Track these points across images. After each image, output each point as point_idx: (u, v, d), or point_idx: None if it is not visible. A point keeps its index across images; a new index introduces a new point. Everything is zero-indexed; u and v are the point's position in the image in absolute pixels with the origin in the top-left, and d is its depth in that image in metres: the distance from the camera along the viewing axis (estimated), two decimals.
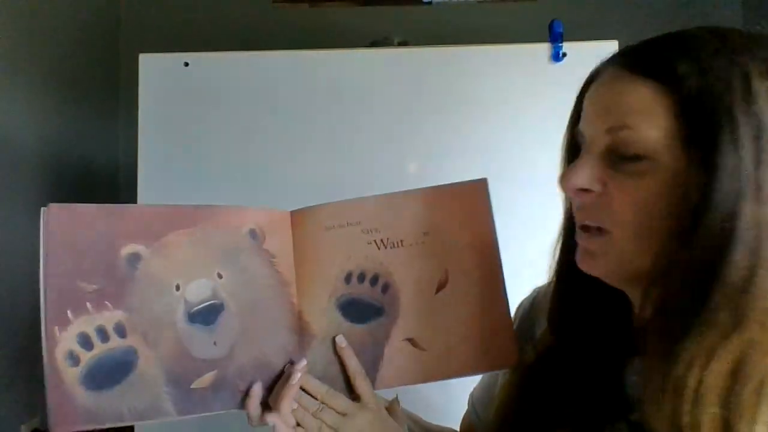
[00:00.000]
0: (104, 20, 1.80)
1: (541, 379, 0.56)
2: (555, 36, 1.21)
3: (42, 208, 0.56)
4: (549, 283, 0.61)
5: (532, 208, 1.15)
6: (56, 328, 0.55)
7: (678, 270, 0.42)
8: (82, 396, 0.55)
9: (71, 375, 0.55)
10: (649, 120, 0.44)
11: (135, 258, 0.59)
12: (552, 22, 1.22)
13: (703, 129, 0.42)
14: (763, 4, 1.69)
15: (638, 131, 0.44)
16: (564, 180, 0.49)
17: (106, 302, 0.57)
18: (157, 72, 1.24)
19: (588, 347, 0.54)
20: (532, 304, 0.68)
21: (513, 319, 0.68)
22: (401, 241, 0.64)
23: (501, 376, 0.66)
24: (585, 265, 0.50)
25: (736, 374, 0.40)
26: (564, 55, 1.20)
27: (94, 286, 0.57)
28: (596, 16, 1.72)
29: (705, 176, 0.41)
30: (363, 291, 0.64)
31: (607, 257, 0.48)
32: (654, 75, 0.44)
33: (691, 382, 0.41)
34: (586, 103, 0.50)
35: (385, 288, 0.64)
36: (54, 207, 0.57)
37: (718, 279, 0.40)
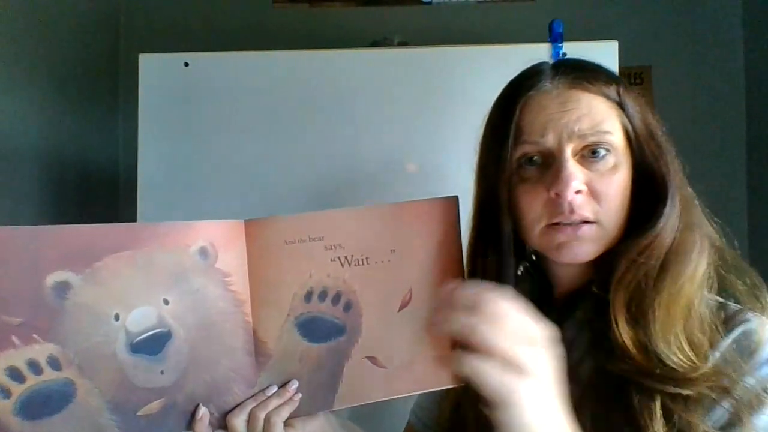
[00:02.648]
0: (104, 20, 1.79)
1: None
2: (555, 36, 1.21)
3: None
4: None
5: None
6: None
7: (650, 240, 0.57)
8: (17, 425, 0.52)
9: (2, 407, 0.51)
10: (613, 126, 0.58)
11: (63, 287, 0.53)
12: (552, 22, 1.22)
13: (638, 132, 0.59)
14: (763, 3, 1.69)
15: (610, 134, 0.58)
16: (566, 185, 0.56)
17: (35, 335, 0.52)
18: (157, 72, 1.24)
19: None
20: None
21: None
22: (366, 258, 0.61)
23: None
24: (571, 254, 0.59)
25: (688, 296, 0.56)
26: (564, 55, 1.20)
27: (19, 319, 0.51)
28: (596, 16, 1.72)
29: (650, 165, 0.59)
30: (324, 310, 0.61)
31: (599, 241, 0.58)
32: (603, 94, 0.59)
33: (654, 316, 0.54)
34: (539, 119, 0.59)
35: (348, 306, 0.61)
36: None
37: (671, 236, 0.57)
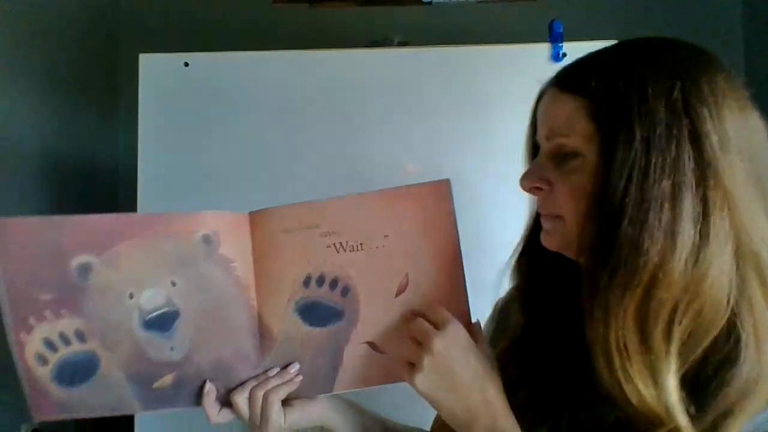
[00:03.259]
0: (104, 20, 1.79)
1: (514, 365, 0.61)
2: (555, 36, 1.21)
3: None
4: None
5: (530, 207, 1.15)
6: (22, 333, 0.59)
7: (593, 243, 0.51)
8: (56, 391, 0.61)
9: (43, 373, 0.60)
10: (574, 127, 0.53)
11: (86, 268, 0.60)
12: (552, 22, 1.22)
13: (608, 130, 0.51)
14: (763, 4, 1.69)
15: (568, 137, 0.54)
16: (521, 181, 0.59)
17: (63, 310, 0.60)
18: (157, 72, 1.24)
19: (556, 323, 0.61)
20: (507, 300, 0.72)
21: (492, 314, 0.73)
22: (361, 244, 0.63)
23: None
24: (544, 241, 0.59)
25: (643, 326, 0.49)
26: (564, 55, 1.20)
27: (50, 296, 0.59)
28: (596, 16, 1.72)
29: (605, 167, 0.50)
30: (322, 294, 0.64)
31: (560, 235, 0.57)
32: (576, 91, 0.54)
33: (613, 338, 0.49)
34: (538, 119, 0.60)
35: (345, 291, 0.64)
36: (4, 221, 0.60)
37: (613, 247, 0.49)
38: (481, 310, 0.69)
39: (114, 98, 1.82)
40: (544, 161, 0.58)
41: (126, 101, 1.79)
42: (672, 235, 0.48)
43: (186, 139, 1.24)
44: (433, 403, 0.57)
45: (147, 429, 1.20)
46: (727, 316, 0.48)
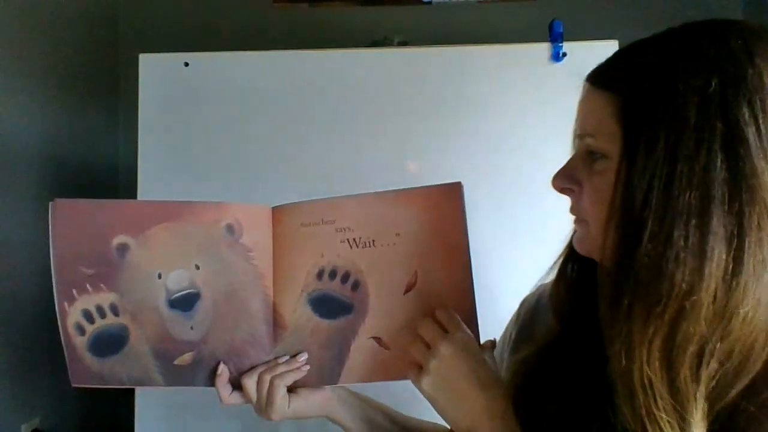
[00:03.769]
0: (104, 20, 1.80)
1: (539, 372, 0.58)
2: (555, 36, 1.21)
3: (50, 203, 0.66)
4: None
5: (531, 207, 1.15)
6: (65, 303, 0.65)
7: (614, 258, 0.46)
8: (90, 360, 0.66)
9: (80, 342, 0.66)
10: (602, 126, 0.48)
11: (124, 248, 0.66)
12: (552, 22, 1.22)
13: (630, 131, 0.46)
14: (763, 3, 1.69)
15: (594, 137, 0.49)
16: (552, 180, 0.54)
17: (102, 285, 0.66)
18: (157, 72, 1.24)
19: (590, 333, 0.54)
20: (538, 299, 0.69)
21: (517, 314, 0.71)
22: (373, 240, 0.65)
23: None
24: (574, 244, 0.55)
25: (670, 362, 0.43)
26: (564, 55, 1.20)
27: (92, 271, 0.66)
28: (596, 16, 1.72)
29: (627, 172, 0.45)
30: (334, 287, 0.66)
31: (586, 240, 0.53)
32: (606, 87, 0.49)
33: (637, 373, 0.43)
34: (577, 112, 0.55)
35: (355, 286, 0.66)
36: (59, 201, 0.66)
37: (634, 266, 0.43)
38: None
39: (114, 98, 1.82)
40: (576, 161, 0.53)
41: (126, 101, 1.79)
42: (700, 257, 0.41)
43: (186, 139, 1.24)
44: (437, 406, 0.57)
45: (147, 429, 1.20)
46: (764, 357, 0.43)
